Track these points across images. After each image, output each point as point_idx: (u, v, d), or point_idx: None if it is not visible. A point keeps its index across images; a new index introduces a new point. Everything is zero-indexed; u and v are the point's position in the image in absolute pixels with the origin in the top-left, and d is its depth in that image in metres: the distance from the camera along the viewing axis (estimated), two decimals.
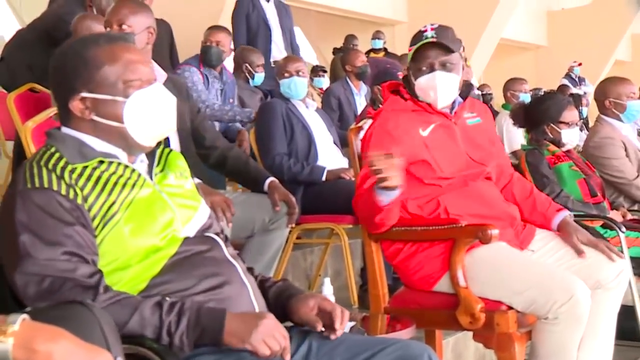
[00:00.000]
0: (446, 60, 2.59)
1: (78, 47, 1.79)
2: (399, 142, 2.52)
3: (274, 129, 4.02)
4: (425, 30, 2.61)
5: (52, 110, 2.90)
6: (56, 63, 1.80)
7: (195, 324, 1.59)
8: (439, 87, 2.59)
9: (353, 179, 3.63)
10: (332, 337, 1.74)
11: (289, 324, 1.81)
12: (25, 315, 1.16)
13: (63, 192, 1.64)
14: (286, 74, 4.14)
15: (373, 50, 9.07)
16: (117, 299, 1.60)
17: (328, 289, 2.43)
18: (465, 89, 2.74)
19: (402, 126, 2.58)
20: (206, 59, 4.91)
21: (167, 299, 1.62)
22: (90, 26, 3.56)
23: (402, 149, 2.48)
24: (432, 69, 2.59)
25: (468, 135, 2.68)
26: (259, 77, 5.46)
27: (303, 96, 4.18)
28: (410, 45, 2.64)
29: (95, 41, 1.78)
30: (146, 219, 1.71)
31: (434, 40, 2.57)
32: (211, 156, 3.24)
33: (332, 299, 2.42)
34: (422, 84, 2.61)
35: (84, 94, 1.73)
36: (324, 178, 3.94)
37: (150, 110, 1.76)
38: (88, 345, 1.17)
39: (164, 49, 5.98)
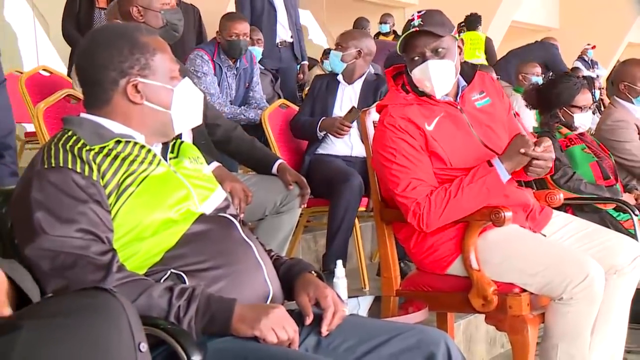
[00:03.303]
0: (436, 46, 2.50)
1: (127, 32, 1.80)
2: (411, 135, 2.50)
3: (306, 99, 4.36)
4: (413, 19, 2.54)
5: (64, 92, 2.90)
6: (100, 45, 1.79)
7: (204, 310, 1.59)
8: (433, 77, 2.50)
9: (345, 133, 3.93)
10: (322, 333, 1.73)
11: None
12: None
13: (78, 169, 1.65)
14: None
15: (381, 33, 9.02)
16: (129, 279, 1.60)
17: (340, 272, 2.43)
18: (471, 70, 2.69)
19: (410, 120, 2.52)
20: (234, 52, 4.73)
21: (178, 285, 1.62)
22: None
23: (415, 141, 2.48)
24: (424, 58, 2.51)
25: (478, 119, 2.61)
26: (257, 50, 5.37)
27: (336, 70, 4.22)
28: (400, 37, 2.58)
29: (139, 29, 1.82)
30: (160, 193, 1.72)
31: (417, 30, 2.49)
32: (215, 134, 3.24)
33: (344, 281, 2.42)
34: (417, 75, 2.54)
35: (140, 79, 1.76)
36: (318, 128, 4.04)
37: (191, 101, 1.84)
38: None
39: (191, 34, 5.97)
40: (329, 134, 4.05)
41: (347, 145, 4.09)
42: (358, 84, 4.19)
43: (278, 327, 1.60)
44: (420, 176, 2.47)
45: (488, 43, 8.92)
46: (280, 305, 1.72)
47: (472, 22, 9.07)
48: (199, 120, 1.91)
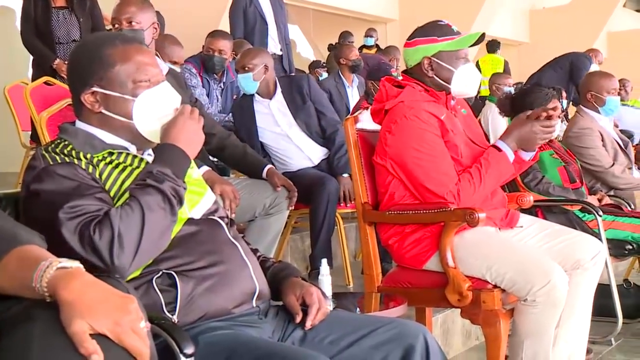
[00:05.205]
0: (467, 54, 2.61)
1: (95, 45, 1.78)
2: (432, 125, 2.49)
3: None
4: (450, 26, 2.59)
5: (65, 102, 2.88)
6: (74, 57, 1.81)
7: (172, 163, 1.65)
8: (478, 77, 2.62)
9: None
10: (306, 327, 1.73)
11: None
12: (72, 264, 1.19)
13: (83, 166, 1.65)
14: (239, 70, 3.93)
15: (365, 46, 9.02)
16: (122, 210, 1.57)
17: (325, 269, 2.42)
18: None
19: (429, 112, 2.52)
20: (208, 67, 4.74)
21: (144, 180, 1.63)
22: None
23: (436, 131, 2.49)
24: (467, 61, 2.58)
25: (466, 122, 2.67)
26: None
27: (250, 92, 3.92)
28: (445, 36, 2.56)
29: (112, 40, 1.77)
30: None
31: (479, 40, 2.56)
32: (211, 142, 3.21)
33: (329, 279, 2.41)
34: (462, 74, 2.56)
35: (96, 89, 1.73)
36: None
37: (157, 109, 1.75)
38: (117, 293, 1.19)
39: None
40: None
41: (306, 159, 3.95)
42: (279, 95, 3.94)
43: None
44: (446, 165, 2.48)
45: (506, 65, 9.90)
46: None
47: (492, 46, 10.17)
48: None
